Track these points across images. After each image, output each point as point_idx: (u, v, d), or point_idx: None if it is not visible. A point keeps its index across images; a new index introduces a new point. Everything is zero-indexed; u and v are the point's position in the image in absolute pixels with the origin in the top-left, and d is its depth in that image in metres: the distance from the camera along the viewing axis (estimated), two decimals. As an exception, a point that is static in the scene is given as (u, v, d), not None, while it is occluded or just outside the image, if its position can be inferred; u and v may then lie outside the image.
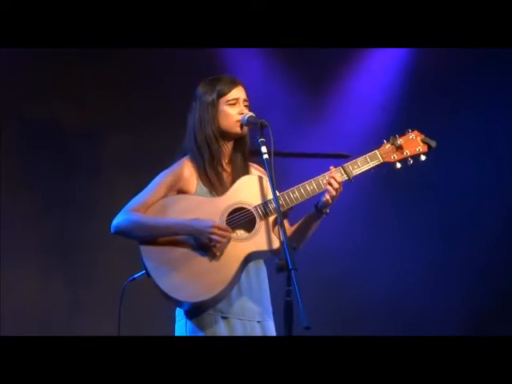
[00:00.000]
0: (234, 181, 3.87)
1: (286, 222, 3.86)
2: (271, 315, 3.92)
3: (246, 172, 3.91)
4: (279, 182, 3.74)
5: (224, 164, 3.93)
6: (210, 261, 3.76)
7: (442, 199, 6.50)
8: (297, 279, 3.33)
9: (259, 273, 3.90)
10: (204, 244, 3.76)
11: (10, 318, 5.91)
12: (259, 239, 3.75)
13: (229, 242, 3.75)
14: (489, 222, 6.43)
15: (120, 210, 3.90)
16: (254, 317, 3.85)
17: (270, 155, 3.67)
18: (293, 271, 3.34)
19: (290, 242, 3.47)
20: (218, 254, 3.76)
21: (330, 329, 5.41)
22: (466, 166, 6.43)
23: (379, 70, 6.45)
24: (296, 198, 3.80)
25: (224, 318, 3.80)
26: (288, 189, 3.83)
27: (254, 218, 3.79)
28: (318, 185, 3.79)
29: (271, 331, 3.88)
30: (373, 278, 6.42)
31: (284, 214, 3.82)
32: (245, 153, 3.94)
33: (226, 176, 3.92)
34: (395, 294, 6.37)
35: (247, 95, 3.93)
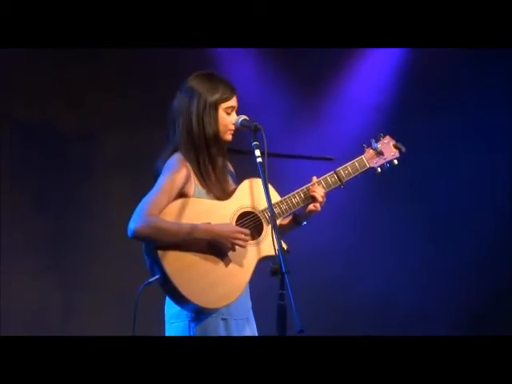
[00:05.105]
0: (218, 180, 3.87)
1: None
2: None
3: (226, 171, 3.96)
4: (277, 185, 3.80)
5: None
6: (227, 266, 3.79)
7: (435, 199, 6.49)
8: (290, 283, 3.33)
9: None
10: (221, 248, 3.77)
11: (5, 319, 5.92)
12: (269, 244, 3.71)
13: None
14: (482, 222, 6.44)
15: (133, 213, 3.73)
16: (244, 314, 3.89)
17: (263, 159, 3.65)
18: (286, 275, 3.35)
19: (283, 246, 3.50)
20: (233, 258, 3.78)
21: (322, 330, 5.40)
22: (459, 167, 6.43)
23: (373, 71, 6.42)
24: (294, 205, 3.86)
25: (223, 319, 3.83)
26: (287, 193, 3.88)
27: (261, 222, 3.83)
28: (306, 195, 3.85)
29: (254, 325, 3.93)
30: (366, 279, 6.41)
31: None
32: (224, 154, 3.94)
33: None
34: (388, 294, 6.37)
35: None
